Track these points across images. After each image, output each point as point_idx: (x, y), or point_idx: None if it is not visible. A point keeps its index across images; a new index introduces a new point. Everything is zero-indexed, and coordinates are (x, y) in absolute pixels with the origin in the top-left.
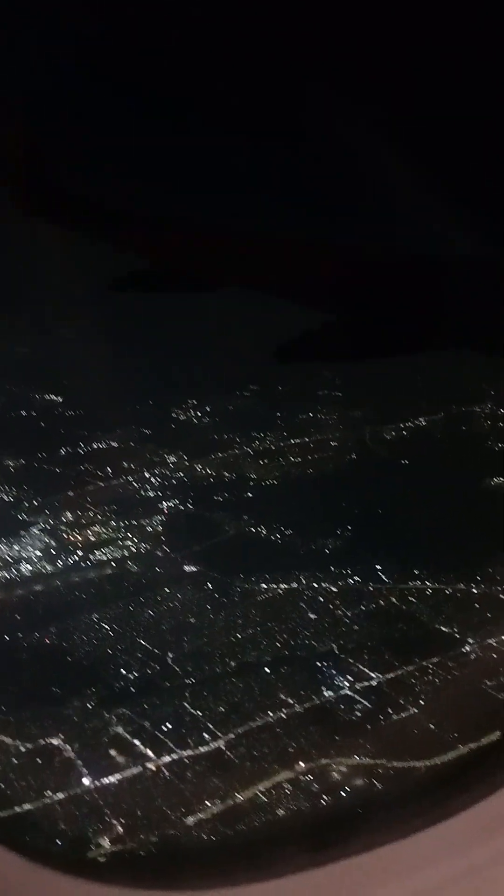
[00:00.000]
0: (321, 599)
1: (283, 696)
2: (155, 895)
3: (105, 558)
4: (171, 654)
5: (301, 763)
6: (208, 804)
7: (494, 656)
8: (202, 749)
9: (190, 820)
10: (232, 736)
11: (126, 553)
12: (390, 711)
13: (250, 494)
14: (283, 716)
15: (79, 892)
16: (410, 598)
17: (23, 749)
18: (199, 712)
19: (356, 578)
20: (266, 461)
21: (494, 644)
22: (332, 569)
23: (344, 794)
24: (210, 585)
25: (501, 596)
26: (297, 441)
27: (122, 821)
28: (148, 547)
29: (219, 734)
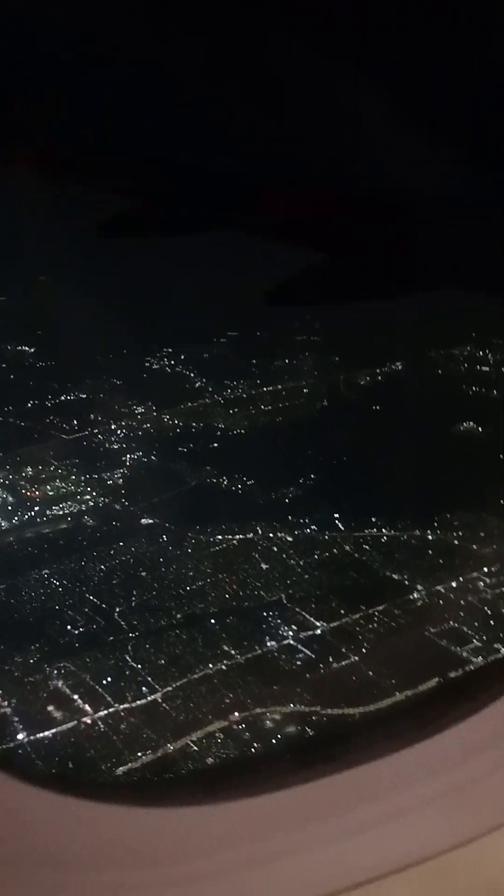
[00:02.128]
0: (275, 549)
1: (225, 648)
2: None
3: (62, 513)
4: (118, 609)
5: (236, 713)
6: (139, 754)
7: (441, 602)
8: (139, 702)
9: (120, 770)
10: (170, 688)
11: (83, 507)
12: (331, 660)
13: (216, 444)
14: (223, 667)
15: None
16: (364, 546)
17: None
18: (139, 665)
19: (313, 527)
20: (236, 410)
21: (442, 590)
22: (290, 518)
23: (275, 742)
24: (165, 538)
25: (455, 542)
26: (270, 388)
27: (54, 772)
28: (107, 500)
29: (157, 687)
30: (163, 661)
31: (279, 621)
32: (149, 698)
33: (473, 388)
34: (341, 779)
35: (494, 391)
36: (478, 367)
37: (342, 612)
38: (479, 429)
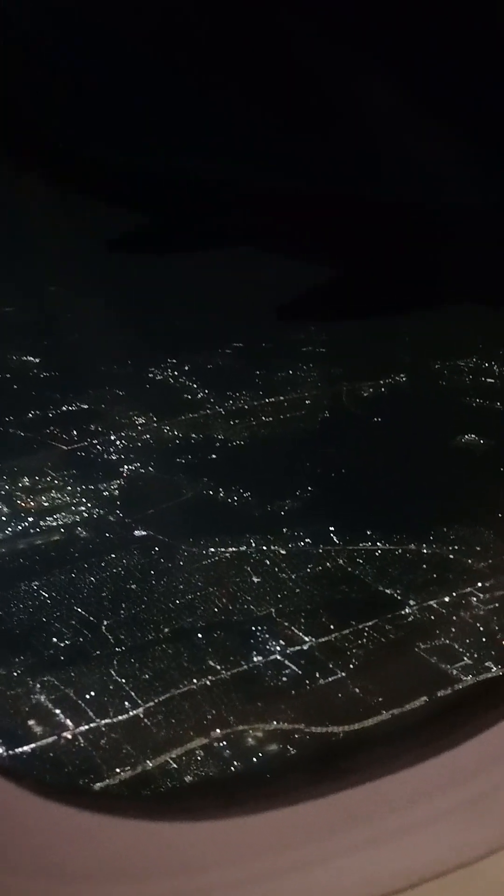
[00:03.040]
0: (267, 563)
1: (211, 663)
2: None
3: (56, 524)
4: (105, 622)
5: (217, 730)
6: (118, 770)
7: (432, 618)
8: (121, 717)
9: (97, 786)
10: (152, 704)
11: (78, 518)
12: (318, 676)
13: (214, 456)
14: (207, 683)
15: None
16: (358, 560)
17: None
18: (123, 680)
19: (307, 541)
20: (237, 421)
21: (435, 605)
22: (285, 531)
23: (255, 760)
24: (157, 550)
25: (451, 556)
26: (272, 400)
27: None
28: (101, 512)
29: (140, 702)
30: (147, 676)
31: (267, 636)
32: (131, 713)
33: (477, 401)
34: (354, 794)
35: (498, 403)
36: (483, 378)
37: (332, 627)
38: (481, 441)
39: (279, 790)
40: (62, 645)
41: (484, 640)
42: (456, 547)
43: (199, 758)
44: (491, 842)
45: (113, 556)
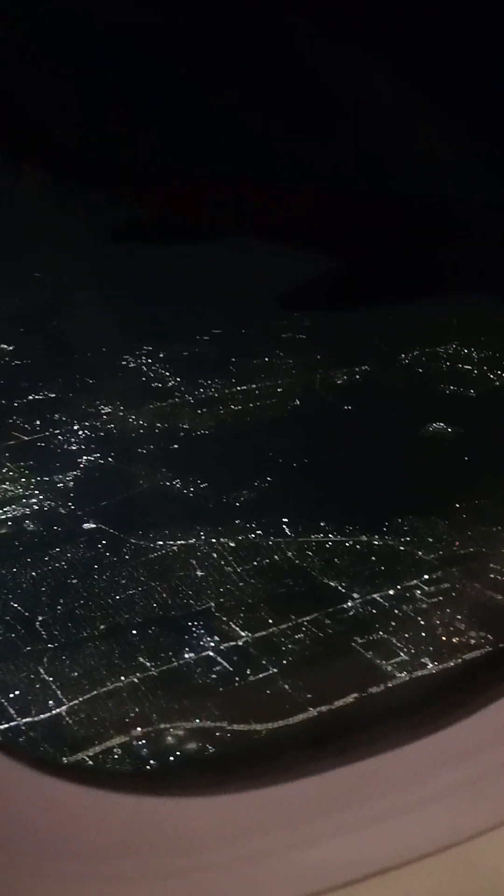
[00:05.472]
0: (214, 556)
1: (141, 660)
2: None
3: (4, 518)
4: (40, 618)
5: (138, 728)
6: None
7: (374, 612)
8: (42, 716)
9: None
10: (76, 702)
11: (28, 511)
12: (248, 672)
13: (176, 446)
14: (135, 680)
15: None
16: (307, 552)
17: None
18: (51, 678)
19: (258, 532)
20: (204, 410)
21: (378, 598)
22: (237, 523)
23: (172, 759)
24: (104, 543)
25: (401, 548)
26: (243, 388)
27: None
28: (53, 504)
29: (64, 700)
30: (76, 674)
31: (202, 632)
32: (53, 712)
33: (451, 388)
34: (352, 771)
35: (472, 391)
36: (460, 365)
37: (270, 621)
38: (449, 429)
39: (275, 767)
40: None
41: (423, 634)
42: (408, 538)
43: (115, 756)
44: (485, 822)
45: (58, 549)
